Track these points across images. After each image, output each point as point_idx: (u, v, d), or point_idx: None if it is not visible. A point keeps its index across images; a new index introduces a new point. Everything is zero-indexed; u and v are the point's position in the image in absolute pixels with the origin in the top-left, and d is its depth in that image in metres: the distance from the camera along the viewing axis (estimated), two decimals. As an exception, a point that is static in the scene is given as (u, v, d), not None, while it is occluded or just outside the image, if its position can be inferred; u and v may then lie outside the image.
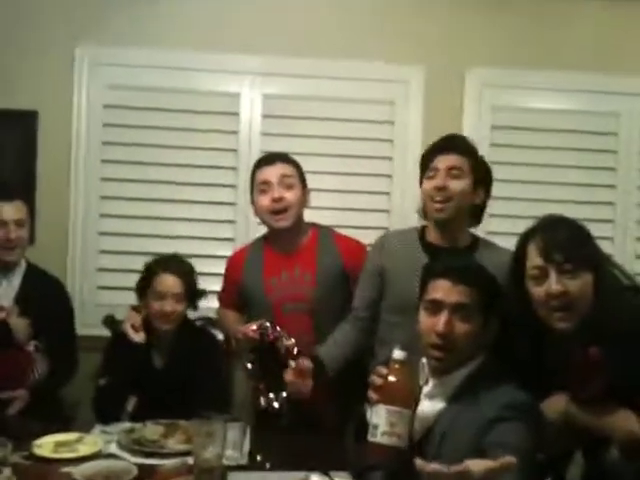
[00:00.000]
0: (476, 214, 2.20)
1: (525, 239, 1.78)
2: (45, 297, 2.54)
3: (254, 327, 2.16)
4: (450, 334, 1.63)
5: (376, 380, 1.62)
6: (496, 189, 3.13)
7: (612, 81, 3.23)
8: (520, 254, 1.78)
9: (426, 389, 1.69)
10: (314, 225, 2.51)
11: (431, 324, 1.66)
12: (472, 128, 3.18)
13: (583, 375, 1.63)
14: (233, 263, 2.54)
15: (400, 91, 3.20)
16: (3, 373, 2.31)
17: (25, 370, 2.38)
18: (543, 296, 1.69)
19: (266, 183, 2.36)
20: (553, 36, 3.22)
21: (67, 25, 3.07)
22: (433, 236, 2.18)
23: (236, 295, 2.49)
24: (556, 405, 1.72)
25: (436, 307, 1.66)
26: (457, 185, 2.09)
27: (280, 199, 2.33)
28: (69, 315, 2.69)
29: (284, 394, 2.14)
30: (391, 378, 1.59)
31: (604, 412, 1.63)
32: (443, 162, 2.11)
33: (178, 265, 2.46)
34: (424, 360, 1.72)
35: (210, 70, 3.14)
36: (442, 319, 1.63)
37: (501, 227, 3.01)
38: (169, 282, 2.40)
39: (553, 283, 1.67)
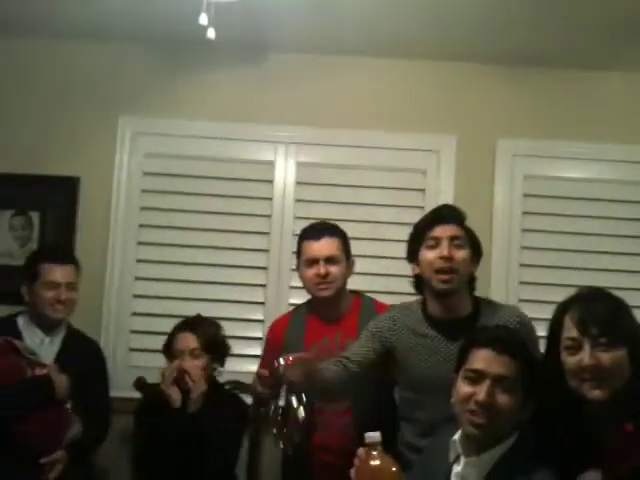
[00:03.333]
0: (472, 283, 2.15)
1: (562, 309, 1.76)
2: (83, 358, 2.59)
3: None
4: (491, 405, 1.60)
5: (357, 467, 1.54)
6: (529, 257, 3.19)
7: (642, 151, 3.25)
8: (556, 324, 1.77)
9: (457, 468, 1.65)
10: (356, 293, 2.57)
11: (471, 392, 1.63)
12: (504, 197, 3.22)
13: (619, 451, 1.58)
14: (275, 327, 2.60)
15: (432, 160, 3.25)
16: (43, 431, 2.32)
17: (63, 428, 2.39)
18: (575, 367, 1.67)
19: (313, 259, 2.44)
20: (582, 107, 3.26)
21: (111, 96, 3.21)
22: (435, 308, 2.11)
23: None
24: None
25: (478, 377, 1.64)
26: (461, 255, 2.05)
27: (326, 275, 2.41)
28: (105, 378, 2.73)
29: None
30: (373, 462, 1.51)
31: None
32: (445, 232, 2.06)
33: (195, 323, 2.57)
34: (455, 437, 1.68)
35: (245, 140, 3.24)
36: (484, 389, 1.61)
37: (533, 295, 3.01)
38: (185, 339, 2.52)
39: (586, 356, 1.64)
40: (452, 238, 2.05)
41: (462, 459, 1.65)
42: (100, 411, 2.60)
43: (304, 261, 2.47)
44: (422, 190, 3.23)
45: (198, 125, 3.23)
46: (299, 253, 2.51)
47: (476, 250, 2.13)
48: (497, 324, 1.99)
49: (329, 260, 2.43)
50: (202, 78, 3.24)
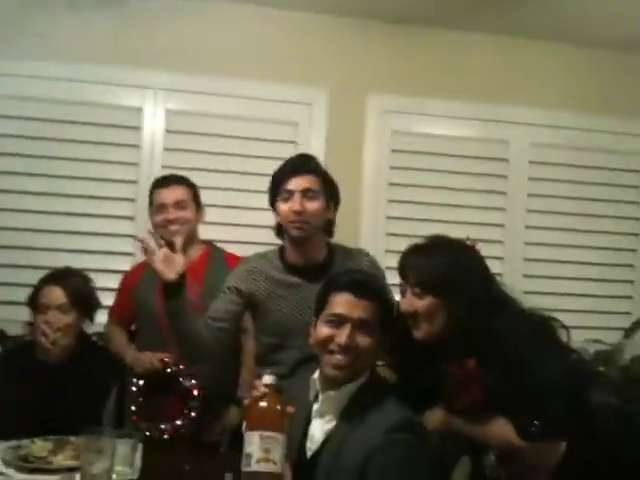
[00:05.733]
0: (328, 228, 2.22)
1: (402, 258, 1.91)
2: None
3: (161, 358, 2.39)
4: (353, 347, 1.65)
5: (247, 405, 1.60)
6: (394, 209, 3.32)
7: (503, 111, 3.43)
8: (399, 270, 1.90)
9: (316, 406, 1.72)
10: (209, 244, 2.66)
11: (332, 335, 1.68)
12: (373, 151, 3.32)
13: (460, 385, 1.72)
14: (129, 277, 2.69)
15: (304, 112, 3.27)
16: None
17: None
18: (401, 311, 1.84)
19: (163, 205, 2.57)
20: (450, 66, 3.39)
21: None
22: (292, 255, 2.18)
23: (128, 309, 2.64)
24: (437, 416, 1.81)
25: (339, 321, 1.68)
26: (313, 206, 2.10)
27: (174, 220, 2.56)
28: None
29: (163, 426, 2.32)
30: (262, 403, 1.56)
31: (481, 421, 1.73)
32: (297, 184, 2.11)
33: (63, 276, 2.42)
34: (315, 376, 1.74)
35: (113, 84, 3.11)
36: (345, 332, 1.66)
37: (398, 246, 3.09)
38: (51, 293, 2.36)
39: (405, 302, 1.82)
40: (305, 191, 2.10)
41: (320, 396, 1.71)
42: None
43: (155, 208, 2.62)
44: (294, 142, 3.25)
45: (60, 67, 3.05)
46: (151, 203, 2.65)
47: (333, 196, 2.19)
48: (354, 268, 2.09)
49: (177, 206, 2.57)
50: (64, 16, 3.05)
